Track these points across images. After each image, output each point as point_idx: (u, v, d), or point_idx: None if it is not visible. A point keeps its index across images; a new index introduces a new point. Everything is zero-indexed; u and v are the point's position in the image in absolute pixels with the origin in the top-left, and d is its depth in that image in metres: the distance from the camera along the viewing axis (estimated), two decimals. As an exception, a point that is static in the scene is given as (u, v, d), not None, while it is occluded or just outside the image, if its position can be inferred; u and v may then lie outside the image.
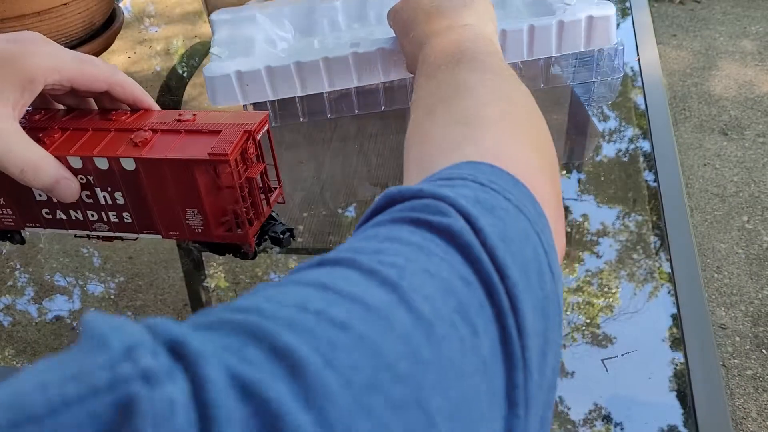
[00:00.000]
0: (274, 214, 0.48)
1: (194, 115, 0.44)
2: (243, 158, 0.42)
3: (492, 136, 0.35)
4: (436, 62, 0.46)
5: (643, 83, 0.83)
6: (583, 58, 0.78)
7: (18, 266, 0.67)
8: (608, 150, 0.81)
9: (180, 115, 0.44)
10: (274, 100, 0.72)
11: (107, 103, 0.48)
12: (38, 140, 0.43)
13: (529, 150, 0.36)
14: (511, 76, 0.44)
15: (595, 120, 0.83)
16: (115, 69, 0.45)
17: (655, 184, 0.69)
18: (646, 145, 0.79)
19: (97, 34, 0.88)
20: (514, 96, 0.41)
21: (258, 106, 0.72)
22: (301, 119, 0.76)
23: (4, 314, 0.63)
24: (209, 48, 0.74)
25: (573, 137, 0.82)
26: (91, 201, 0.44)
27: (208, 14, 0.81)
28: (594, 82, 0.80)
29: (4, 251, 0.68)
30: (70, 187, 0.43)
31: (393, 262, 0.23)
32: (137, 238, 0.48)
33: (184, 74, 0.99)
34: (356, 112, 0.76)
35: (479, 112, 0.38)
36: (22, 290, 0.65)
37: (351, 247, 0.24)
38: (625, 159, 0.79)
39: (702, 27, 2.67)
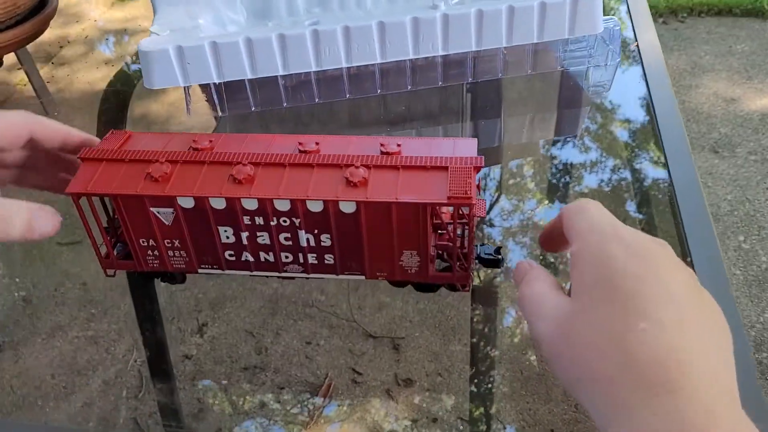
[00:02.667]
0: None
1: (399, 145, 0.42)
2: None
3: None
4: None
5: (643, 68, 0.78)
6: (575, 41, 0.73)
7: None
8: (611, 142, 0.76)
9: (383, 145, 0.42)
10: (220, 84, 0.65)
11: (27, 155, 0.42)
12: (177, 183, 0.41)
13: None
14: None
15: (584, 88, 0.78)
16: (31, 115, 0.41)
17: (668, 181, 0.64)
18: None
19: (25, 19, 0.81)
20: None
21: (201, 90, 0.66)
22: (252, 108, 0.69)
23: None
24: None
25: (564, 111, 0.77)
26: (289, 243, 0.42)
27: (151, -7, 0.74)
28: (588, 68, 0.75)
29: None
30: (46, 219, 0.38)
31: None
32: (325, 278, 0.45)
33: (131, 76, 0.92)
34: (317, 100, 0.70)
35: None
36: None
37: None
38: (630, 154, 0.74)
39: (687, 46, 2.69)
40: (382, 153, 0.42)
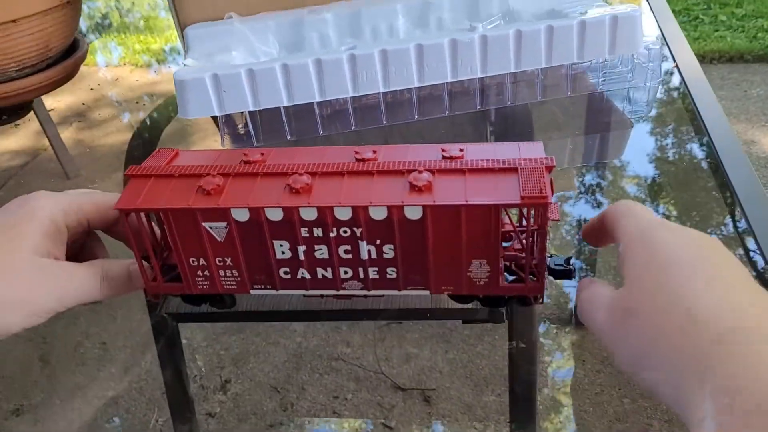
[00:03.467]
0: None
1: (461, 150, 0.40)
2: None
3: None
4: None
5: (684, 81, 0.76)
6: (614, 62, 0.72)
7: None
8: (665, 160, 0.73)
9: (444, 150, 0.40)
10: (255, 113, 0.64)
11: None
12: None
13: None
14: None
15: (624, 109, 0.76)
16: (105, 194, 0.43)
17: (728, 185, 0.61)
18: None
19: (56, 62, 0.81)
20: None
21: (235, 122, 0.65)
22: (288, 137, 0.67)
23: None
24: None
25: (605, 134, 0.75)
26: (349, 257, 0.40)
27: (181, 30, 0.74)
28: (628, 86, 0.74)
29: None
30: (137, 275, 0.42)
31: None
32: (384, 295, 0.44)
33: (158, 116, 0.91)
34: (353, 128, 0.68)
35: None
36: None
37: None
38: (689, 165, 0.71)
39: (701, 92, 2.71)
40: (444, 158, 0.40)
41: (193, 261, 0.41)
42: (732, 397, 0.24)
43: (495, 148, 0.41)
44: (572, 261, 0.43)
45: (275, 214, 0.38)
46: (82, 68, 0.84)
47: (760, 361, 0.24)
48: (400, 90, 0.70)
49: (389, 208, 0.37)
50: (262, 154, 0.41)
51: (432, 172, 0.38)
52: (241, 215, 0.38)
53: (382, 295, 0.43)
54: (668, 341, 0.27)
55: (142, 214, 0.40)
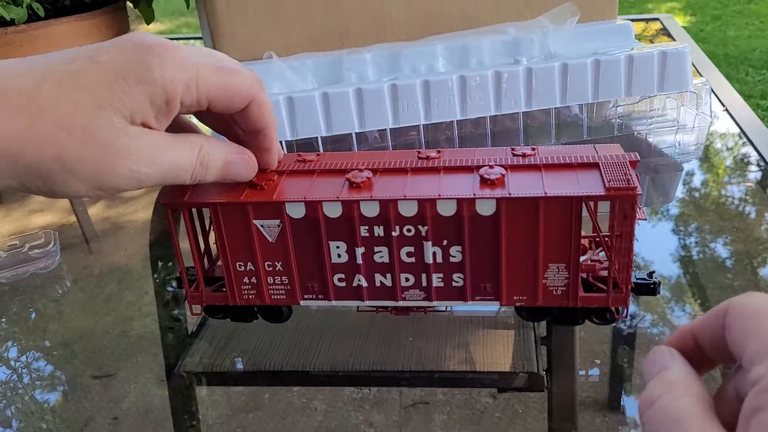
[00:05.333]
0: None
1: (533, 149, 0.38)
2: None
3: None
4: None
5: (737, 122, 0.73)
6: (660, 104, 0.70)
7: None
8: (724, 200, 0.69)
9: (513, 149, 0.38)
10: (291, 142, 0.62)
11: (218, 122, 0.38)
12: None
13: None
14: None
15: (672, 153, 0.73)
16: (261, 83, 0.37)
17: None
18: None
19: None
20: None
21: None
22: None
23: None
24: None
25: (653, 178, 0.72)
26: (412, 260, 0.37)
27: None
28: (676, 127, 0.71)
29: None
30: (244, 162, 0.36)
31: None
32: (447, 309, 0.42)
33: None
34: (392, 162, 0.66)
35: None
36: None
37: None
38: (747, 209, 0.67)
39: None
40: (515, 155, 0.38)
41: (239, 266, 0.38)
42: None
43: (568, 148, 0.39)
44: (656, 275, 0.39)
45: (333, 210, 0.36)
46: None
47: None
48: (440, 127, 0.69)
49: (459, 201, 0.35)
50: (318, 155, 0.40)
51: (504, 167, 0.36)
52: (297, 211, 0.36)
53: (445, 309, 0.39)
54: None
55: (186, 215, 0.37)
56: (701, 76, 0.89)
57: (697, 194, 0.74)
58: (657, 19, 1.24)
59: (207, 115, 0.38)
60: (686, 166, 0.73)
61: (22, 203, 0.77)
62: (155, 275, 0.61)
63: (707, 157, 0.76)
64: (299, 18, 0.75)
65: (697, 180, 0.75)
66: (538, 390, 0.46)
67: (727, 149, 0.78)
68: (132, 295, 0.58)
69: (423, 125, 0.65)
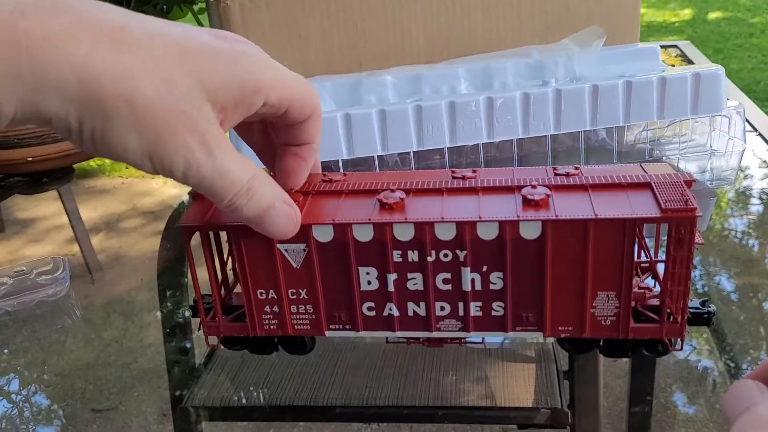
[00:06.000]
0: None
1: (577, 168, 0.36)
2: None
3: None
4: None
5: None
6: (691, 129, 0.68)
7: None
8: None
9: (555, 169, 0.36)
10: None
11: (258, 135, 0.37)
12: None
13: None
14: None
15: (704, 179, 0.70)
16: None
17: None
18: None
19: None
20: None
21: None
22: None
23: None
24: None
25: None
26: (448, 288, 0.35)
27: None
28: (709, 152, 0.68)
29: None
30: (288, 215, 0.33)
31: None
32: (483, 341, 0.40)
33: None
34: (415, 187, 0.64)
35: None
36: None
37: None
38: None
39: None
40: (558, 175, 0.36)
41: (261, 294, 0.36)
42: None
43: (614, 168, 0.36)
44: (710, 305, 0.36)
45: (364, 234, 0.34)
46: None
47: None
48: (464, 151, 0.66)
49: (501, 224, 0.32)
50: (345, 175, 0.37)
51: (548, 187, 0.34)
52: (324, 234, 0.34)
53: (482, 341, 0.36)
54: None
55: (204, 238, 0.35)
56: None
57: (729, 223, 0.71)
58: (675, 46, 1.22)
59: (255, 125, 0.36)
60: (720, 192, 0.70)
61: (22, 233, 0.75)
62: (162, 305, 0.59)
63: (744, 183, 0.73)
64: (317, 40, 0.74)
65: (728, 208, 0.72)
66: (562, 427, 0.43)
67: (757, 176, 0.75)
68: (135, 326, 0.56)
69: (447, 149, 0.63)
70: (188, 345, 0.53)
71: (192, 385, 0.47)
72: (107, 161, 0.92)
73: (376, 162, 0.62)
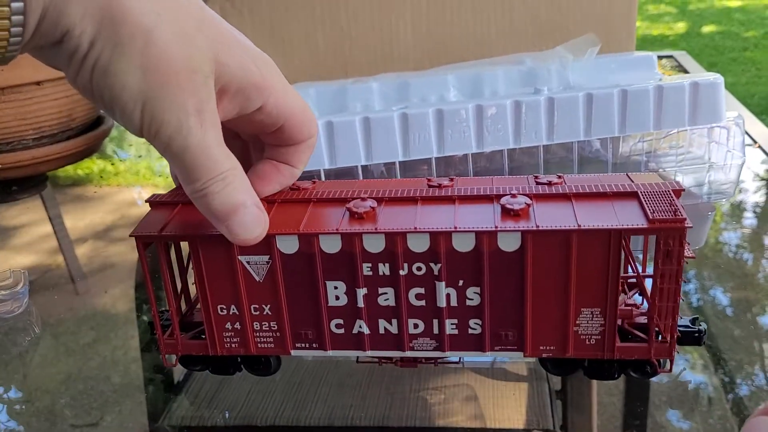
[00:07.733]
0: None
1: (560, 176, 0.35)
2: None
3: None
4: None
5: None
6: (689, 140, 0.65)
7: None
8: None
9: (537, 177, 0.35)
10: (293, 175, 0.57)
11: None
12: None
13: None
14: None
15: (702, 193, 0.68)
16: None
17: None
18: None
19: (79, 135, 0.76)
20: None
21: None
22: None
23: None
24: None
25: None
26: (422, 304, 0.33)
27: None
28: (707, 165, 0.66)
29: None
30: (258, 218, 0.31)
31: None
32: (460, 361, 0.37)
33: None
34: (400, 198, 0.61)
35: None
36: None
37: None
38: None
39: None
40: (540, 184, 0.34)
41: (221, 309, 0.34)
42: None
43: (599, 177, 0.35)
44: (701, 323, 0.34)
45: (332, 245, 0.32)
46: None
47: None
48: (452, 162, 0.64)
49: (478, 235, 0.31)
50: (314, 182, 0.36)
51: (529, 196, 0.32)
52: (289, 245, 0.32)
53: (459, 360, 0.34)
54: None
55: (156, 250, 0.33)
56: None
57: (728, 237, 0.69)
58: (671, 56, 1.20)
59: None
60: (718, 206, 0.68)
61: (5, 241, 0.72)
62: (139, 319, 0.56)
63: (743, 196, 0.70)
64: (301, 44, 0.71)
65: (727, 222, 0.69)
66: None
67: (757, 189, 0.72)
68: (117, 339, 0.54)
69: (435, 159, 0.60)
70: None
71: (170, 402, 0.45)
72: (94, 169, 0.89)
73: (360, 172, 0.59)
